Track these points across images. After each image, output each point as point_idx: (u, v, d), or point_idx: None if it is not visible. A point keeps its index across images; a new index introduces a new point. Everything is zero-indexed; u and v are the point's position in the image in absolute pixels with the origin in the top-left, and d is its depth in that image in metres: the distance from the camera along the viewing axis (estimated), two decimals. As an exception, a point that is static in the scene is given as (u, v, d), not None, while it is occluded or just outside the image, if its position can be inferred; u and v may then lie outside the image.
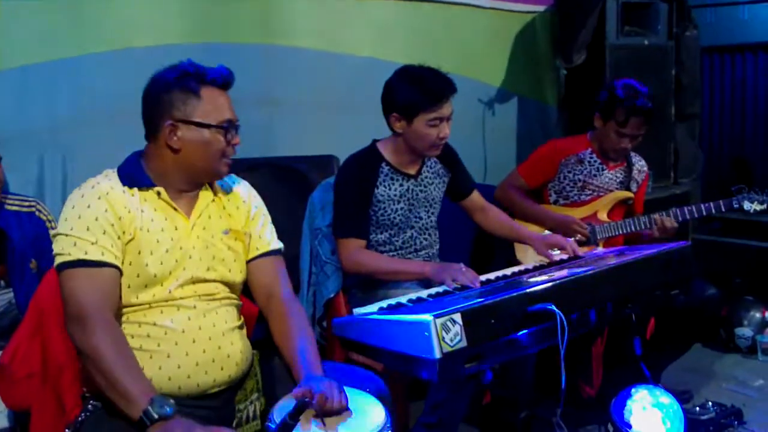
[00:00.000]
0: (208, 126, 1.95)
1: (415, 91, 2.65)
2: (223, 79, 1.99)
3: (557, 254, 2.86)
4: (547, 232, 3.32)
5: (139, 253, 1.89)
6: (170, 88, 1.94)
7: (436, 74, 2.68)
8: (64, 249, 1.84)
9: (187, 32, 3.44)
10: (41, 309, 2.01)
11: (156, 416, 1.63)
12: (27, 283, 2.70)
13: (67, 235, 1.85)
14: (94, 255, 1.83)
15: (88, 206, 1.87)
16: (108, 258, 1.84)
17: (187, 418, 1.68)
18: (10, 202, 2.81)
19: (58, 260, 1.85)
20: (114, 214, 1.87)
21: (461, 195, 3.03)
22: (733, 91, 5.87)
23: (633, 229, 3.31)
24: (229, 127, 1.98)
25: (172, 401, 1.67)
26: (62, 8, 3.14)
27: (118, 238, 1.87)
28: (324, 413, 1.72)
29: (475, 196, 3.06)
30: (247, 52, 3.62)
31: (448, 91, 2.66)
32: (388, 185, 2.77)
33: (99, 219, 1.86)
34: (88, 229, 1.84)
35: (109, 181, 1.94)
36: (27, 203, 2.83)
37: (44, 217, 2.84)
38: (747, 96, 5.84)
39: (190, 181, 2.01)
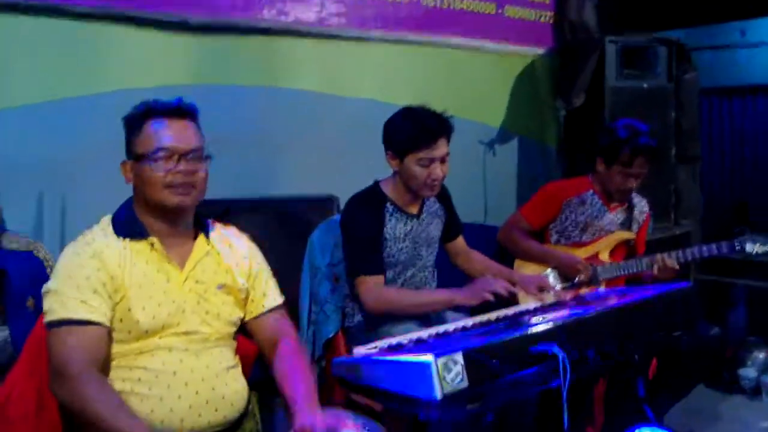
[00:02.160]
0: (143, 156, 1.92)
1: (406, 129, 2.65)
2: (169, 107, 1.96)
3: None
4: (549, 270, 3.32)
5: (129, 309, 1.87)
6: (125, 127, 1.97)
7: (431, 114, 2.67)
8: (51, 307, 1.84)
9: (188, 73, 3.47)
10: (38, 348, 1.98)
11: None
12: (23, 322, 2.67)
13: (56, 293, 1.84)
14: (80, 314, 1.81)
15: (81, 265, 1.86)
16: (95, 317, 1.83)
17: None
18: (8, 240, 2.80)
19: (46, 318, 1.84)
20: (106, 273, 1.86)
21: (449, 238, 3.03)
22: (732, 133, 5.89)
23: (635, 270, 3.29)
24: (162, 154, 1.91)
25: None
26: (63, 49, 3.16)
27: (109, 297, 1.86)
28: None
29: (460, 241, 3.07)
30: (249, 94, 3.65)
31: (438, 132, 2.65)
32: (394, 225, 2.77)
33: (90, 278, 1.85)
34: (77, 288, 1.83)
35: (104, 238, 1.93)
36: (25, 242, 2.83)
37: (42, 257, 2.83)
38: (746, 138, 5.85)
39: (161, 219, 1.97)
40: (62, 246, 2.49)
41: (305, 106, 3.84)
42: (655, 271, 3.23)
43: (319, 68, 3.92)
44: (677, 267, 3.22)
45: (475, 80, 4.49)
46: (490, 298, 2.52)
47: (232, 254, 2.10)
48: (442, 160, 2.67)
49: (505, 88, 4.70)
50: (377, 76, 4.11)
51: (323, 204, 3.54)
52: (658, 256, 3.25)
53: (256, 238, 2.24)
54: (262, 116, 3.69)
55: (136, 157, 1.93)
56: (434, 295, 2.74)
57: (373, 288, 2.66)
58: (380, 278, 2.70)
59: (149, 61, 3.38)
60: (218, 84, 3.56)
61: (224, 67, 3.60)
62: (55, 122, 3.14)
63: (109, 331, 1.86)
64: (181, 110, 1.97)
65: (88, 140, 3.20)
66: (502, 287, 2.57)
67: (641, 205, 3.49)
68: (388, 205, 2.78)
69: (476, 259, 3.07)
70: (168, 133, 1.92)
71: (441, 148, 2.65)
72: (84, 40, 3.21)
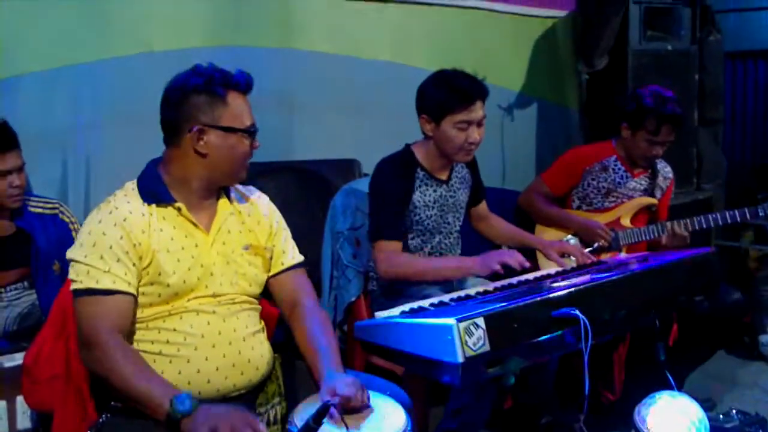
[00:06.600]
0: (235, 131, 1.95)
1: (443, 91, 2.63)
2: (245, 84, 1.99)
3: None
4: (569, 236, 3.32)
5: (159, 274, 1.90)
6: (196, 93, 1.92)
7: (467, 77, 2.66)
8: (78, 276, 1.86)
9: (207, 36, 3.46)
10: (65, 311, 2.02)
11: (179, 415, 1.64)
12: (50, 284, 2.72)
13: (81, 263, 1.86)
14: (105, 284, 1.83)
15: (104, 233, 1.87)
16: (119, 286, 1.84)
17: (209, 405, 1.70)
18: (34, 204, 2.83)
19: (72, 286, 1.86)
20: (129, 241, 1.87)
21: (474, 202, 3.02)
22: (756, 96, 5.80)
23: (656, 235, 3.28)
24: (254, 131, 1.99)
25: (191, 395, 1.68)
26: (84, 12, 3.16)
27: (133, 264, 1.87)
28: (346, 411, 1.72)
29: (483, 206, 3.07)
30: (267, 56, 3.64)
31: (477, 94, 2.63)
32: (424, 191, 2.75)
33: (113, 247, 1.86)
34: (101, 258, 1.85)
35: (127, 204, 1.93)
36: (50, 205, 2.86)
37: (67, 219, 2.86)
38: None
39: (210, 187, 2.01)
40: (87, 209, 2.51)
41: (323, 67, 3.82)
42: (664, 240, 3.23)
43: (338, 30, 3.90)
44: (686, 234, 3.22)
45: (494, 43, 4.44)
46: (498, 269, 2.49)
47: (254, 213, 2.12)
48: (479, 124, 2.65)
49: (526, 51, 4.64)
50: (395, 38, 4.08)
51: (345, 167, 3.54)
52: (669, 224, 3.24)
53: (276, 202, 2.24)
54: (280, 78, 3.67)
55: (222, 128, 1.94)
56: (445, 262, 2.72)
57: (388, 254, 2.64)
58: (398, 244, 2.68)
59: (168, 24, 3.38)
60: (237, 46, 3.55)
61: (243, 28, 3.58)
62: (77, 86, 3.15)
63: (134, 298, 1.88)
64: (251, 88, 2.02)
65: (110, 103, 3.22)
66: (513, 260, 2.51)
67: (665, 171, 3.46)
68: (418, 170, 2.76)
69: (497, 225, 3.07)
70: (250, 111, 2.00)
71: (478, 111, 2.63)
72: (104, 4, 3.21)
